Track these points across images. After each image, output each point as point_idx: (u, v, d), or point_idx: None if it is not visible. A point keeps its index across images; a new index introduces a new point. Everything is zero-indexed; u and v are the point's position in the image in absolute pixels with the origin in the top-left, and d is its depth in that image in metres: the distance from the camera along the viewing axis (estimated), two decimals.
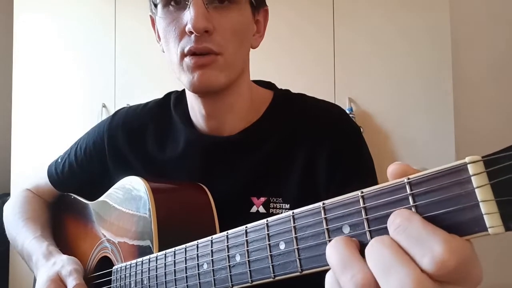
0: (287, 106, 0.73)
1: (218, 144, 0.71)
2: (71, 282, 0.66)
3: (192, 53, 0.60)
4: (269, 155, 0.70)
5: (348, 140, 0.70)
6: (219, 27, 0.61)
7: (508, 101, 2.18)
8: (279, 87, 0.79)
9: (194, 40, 0.60)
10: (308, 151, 0.68)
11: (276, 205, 0.67)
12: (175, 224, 0.62)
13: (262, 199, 0.68)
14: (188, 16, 0.59)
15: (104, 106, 2.19)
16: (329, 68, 2.02)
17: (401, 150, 1.96)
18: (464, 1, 2.20)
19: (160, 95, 0.82)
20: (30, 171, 2.17)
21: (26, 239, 0.79)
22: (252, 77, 0.76)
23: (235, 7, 0.62)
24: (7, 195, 2.26)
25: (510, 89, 2.18)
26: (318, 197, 0.37)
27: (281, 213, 0.39)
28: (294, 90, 0.78)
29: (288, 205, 0.67)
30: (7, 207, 0.89)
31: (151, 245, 0.59)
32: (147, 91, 2.00)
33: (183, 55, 0.61)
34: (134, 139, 0.77)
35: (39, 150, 2.19)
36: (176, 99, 0.78)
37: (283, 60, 2.02)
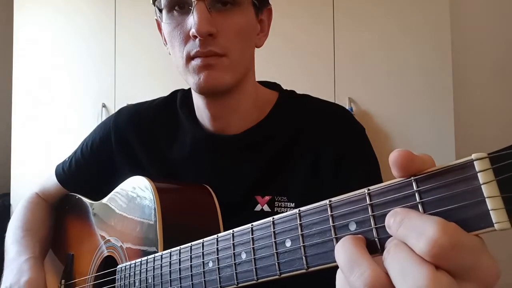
0: (291, 106, 0.73)
1: (223, 143, 0.72)
2: None
3: (198, 56, 0.61)
4: (274, 154, 0.70)
5: (352, 140, 0.70)
6: (222, 30, 0.61)
7: (508, 101, 2.18)
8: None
9: (199, 44, 0.60)
10: (313, 150, 0.69)
11: (281, 204, 0.68)
12: (179, 227, 0.62)
13: (267, 197, 0.68)
14: (192, 20, 0.59)
15: (104, 106, 2.19)
16: (329, 68, 2.02)
17: None
18: (464, 1, 2.21)
19: (160, 95, 0.82)
20: (30, 171, 2.17)
21: (18, 255, 0.80)
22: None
23: (238, 9, 0.63)
24: (7, 195, 2.26)
25: (510, 89, 2.19)
26: (323, 196, 0.37)
27: (286, 211, 0.39)
28: (294, 90, 0.79)
29: (293, 203, 0.67)
30: (15, 212, 0.90)
31: (156, 247, 0.59)
32: (147, 91, 2.00)
33: (189, 59, 0.62)
34: (144, 134, 0.77)
35: (39, 150, 2.19)
36: (183, 97, 0.78)
37: (283, 60, 2.02)
